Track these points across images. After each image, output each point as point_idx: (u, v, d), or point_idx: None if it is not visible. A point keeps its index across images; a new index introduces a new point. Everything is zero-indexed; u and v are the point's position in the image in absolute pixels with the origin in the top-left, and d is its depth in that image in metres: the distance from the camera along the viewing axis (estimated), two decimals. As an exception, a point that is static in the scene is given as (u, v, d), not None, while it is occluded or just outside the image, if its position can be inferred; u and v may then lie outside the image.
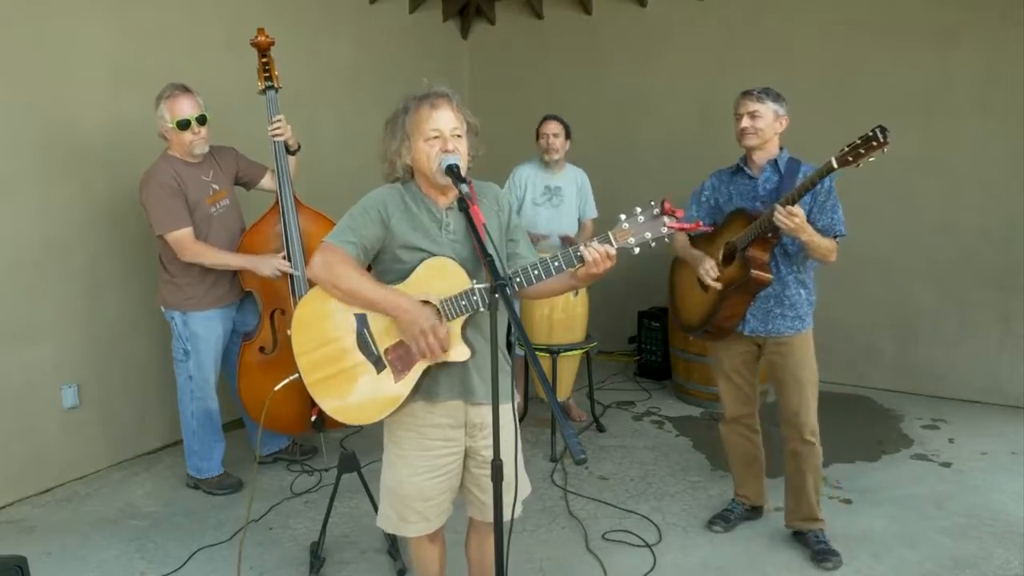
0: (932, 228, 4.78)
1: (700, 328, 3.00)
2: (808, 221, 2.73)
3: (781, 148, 2.90)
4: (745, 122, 2.83)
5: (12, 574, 1.93)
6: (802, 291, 2.90)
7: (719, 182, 3.04)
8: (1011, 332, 4.62)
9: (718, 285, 2.84)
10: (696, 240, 3.04)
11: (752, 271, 2.75)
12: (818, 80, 4.95)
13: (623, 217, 1.88)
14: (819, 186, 2.72)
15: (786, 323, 2.88)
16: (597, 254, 1.87)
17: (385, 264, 2.04)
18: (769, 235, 2.73)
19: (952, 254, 4.74)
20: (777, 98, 2.83)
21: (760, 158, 2.88)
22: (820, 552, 2.90)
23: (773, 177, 2.86)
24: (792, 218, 2.58)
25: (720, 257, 2.89)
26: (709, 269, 2.86)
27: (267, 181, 3.63)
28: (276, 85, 3.46)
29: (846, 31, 4.88)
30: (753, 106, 2.81)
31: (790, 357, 2.89)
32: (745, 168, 2.94)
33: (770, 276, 2.79)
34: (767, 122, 2.81)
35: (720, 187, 3.02)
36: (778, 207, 2.60)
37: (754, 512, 3.25)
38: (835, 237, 2.77)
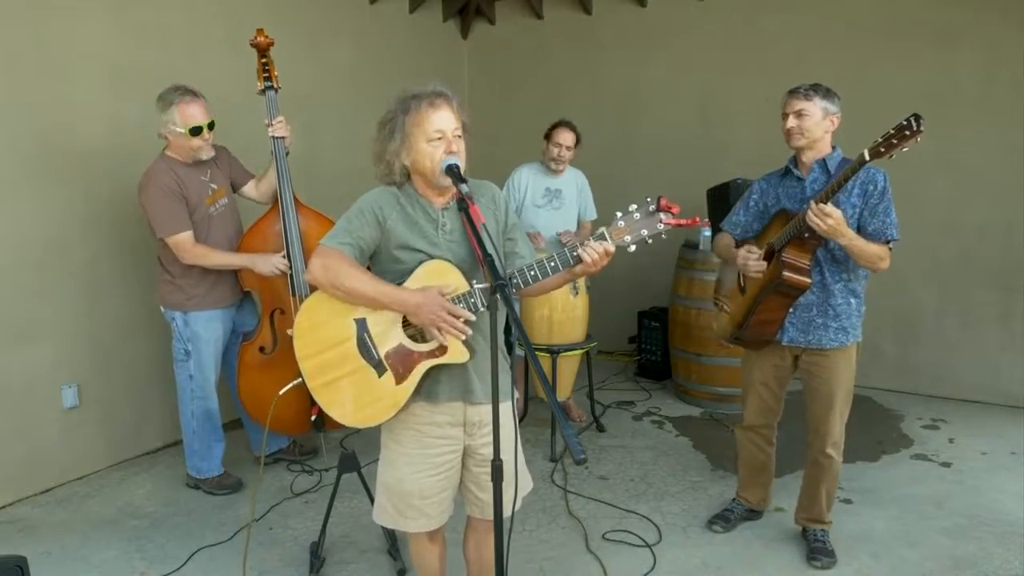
0: (933, 228, 4.77)
1: (736, 332, 2.88)
2: (858, 224, 2.60)
3: (834, 147, 2.74)
4: (791, 122, 2.66)
5: (12, 574, 1.93)
6: (852, 300, 2.73)
7: (768, 185, 2.90)
8: (1011, 332, 4.62)
9: (763, 265, 2.67)
10: (741, 243, 2.92)
11: (784, 273, 2.59)
12: (818, 80, 4.94)
13: (619, 215, 1.88)
14: (872, 187, 2.60)
15: (828, 335, 2.73)
16: (596, 254, 1.87)
17: (383, 266, 2.04)
18: (806, 235, 2.56)
19: (953, 254, 4.74)
20: (827, 94, 2.66)
21: (809, 158, 2.72)
22: (814, 550, 2.91)
23: (821, 178, 2.70)
24: (825, 218, 2.42)
25: (761, 258, 2.76)
26: (747, 253, 2.72)
27: (250, 188, 3.61)
28: (275, 85, 3.46)
29: (846, 31, 4.88)
30: (799, 104, 2.65)
31: (827, 370, 2.76)
32: (794, 170, 2.79)
33: (807, 280, 2.62)
34: (815, 121, 2.65)
35: (768, 190, 2.88)
36: (811, 205, 2.45)
37: (754, 513, 3.25)
38: (887, 243, 2.61)
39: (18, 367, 3.51)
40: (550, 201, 4.32)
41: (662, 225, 1.85)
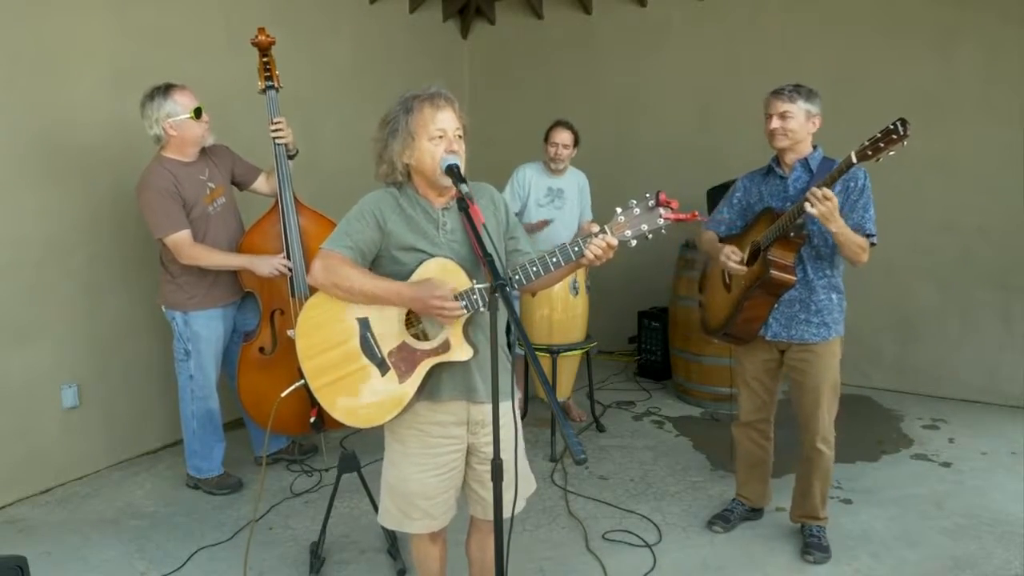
0: (933, 228, 4.78)
1: (722, 330, 2.93)
2: None
3: (815, 147, 2.80)
4: (775, 123, 2.72)
5: (12, 574, 1.93)
6: (833, 296, 2.81)
7: (750, 183, 2.96)
8: (1011, 332, 4.62)
9: (742, 269, 2.75)
10: (724, 241, 2.97)
11: (771, 271, 2.66)
12: (818, 80, 4.86)
13: (619, 210, 1.89)
14: (853, 183, 2.66)
15: (811, 329, 2.80)
16: (599, 250, 1.89)
17: (384, 267, 2.05)
18: (792, 235, 2.64)
19: (953, 254, 4.74)
20: (809, 96, 2.72)
21: (791, 158, 2.79)
22: (808, 544, 2.92)
23: (804, 176, 2.76)
24: (825, 201, 2.45)
25: (746, 256, 2.81)
26: (730, 253, 2.78)
27: (261, 183, 3.61)
28: (276, 85, 3.46)
29: (846, 31, 4.88)
30: (784, 106, 2.70)
31: (812, 364, 2.82)
32: (776, 168, 2.86)
33: (792, 278, 2.70)
34: (799, 123, 2.71)
35: (751, 188, 2.95)
36: (812, 189, 2.48)
37: (754, 512, 3.25)
38: (867, 237, 2.67)
39: (18, 367, 3.51)
40: (552, 200, 4.33)
41: (662, 220, 1.85)
